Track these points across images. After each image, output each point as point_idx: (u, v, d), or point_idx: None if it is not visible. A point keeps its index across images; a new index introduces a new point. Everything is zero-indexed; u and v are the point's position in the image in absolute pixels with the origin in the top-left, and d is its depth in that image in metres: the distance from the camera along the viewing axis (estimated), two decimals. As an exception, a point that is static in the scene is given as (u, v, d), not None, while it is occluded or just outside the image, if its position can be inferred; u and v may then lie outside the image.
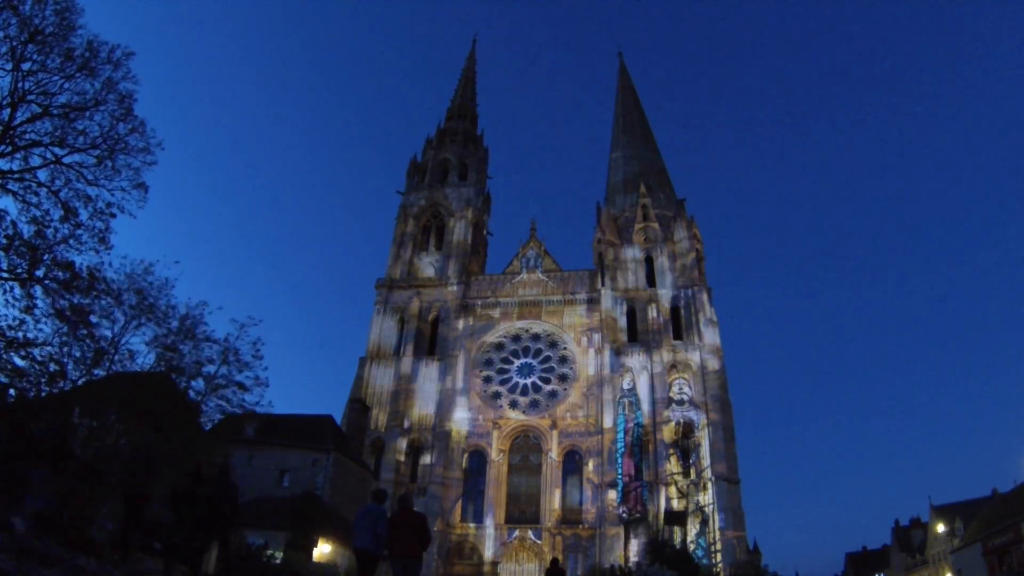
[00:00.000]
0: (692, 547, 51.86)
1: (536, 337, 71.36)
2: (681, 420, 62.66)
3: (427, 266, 77.57)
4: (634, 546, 56.67)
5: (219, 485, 13.84)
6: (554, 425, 65.06)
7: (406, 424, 66.51)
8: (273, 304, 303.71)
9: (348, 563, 37.53)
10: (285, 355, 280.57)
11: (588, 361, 67.95)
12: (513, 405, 67.63)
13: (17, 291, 17.60)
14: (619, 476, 60.10)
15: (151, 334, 22.38)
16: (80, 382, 20.54)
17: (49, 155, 19.21)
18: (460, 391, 68.14)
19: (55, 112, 19.21)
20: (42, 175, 19.11)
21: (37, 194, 18.69)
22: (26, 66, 18.58)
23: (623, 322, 69.54)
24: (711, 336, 66.23)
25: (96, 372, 20.86)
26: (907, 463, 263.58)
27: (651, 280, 72.38)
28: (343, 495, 44.70)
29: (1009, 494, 57.92)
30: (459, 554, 60.55)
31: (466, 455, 65.22)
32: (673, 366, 65.51)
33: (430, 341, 72.50)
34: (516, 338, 71.66)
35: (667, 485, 59.22)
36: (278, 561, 32.18)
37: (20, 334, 17.87)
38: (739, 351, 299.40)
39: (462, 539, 61.10)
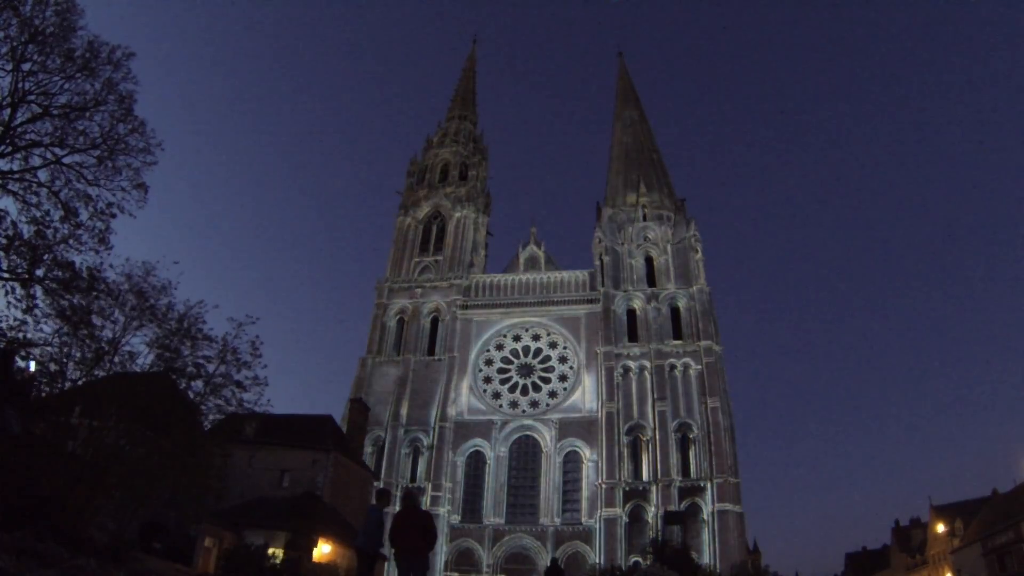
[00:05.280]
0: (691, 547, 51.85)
1: (536, 337, 71.41)
2: (681, 420, 62.69)
3: (427, 266, 77.63)
4: (634, 546, 56.75)
5: None
6: (554, 424, 65.10)
7: (406, 423, 66.56)
8: (273, 304, 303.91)
9: (348, 563, 37.57)
10: (285, 355, 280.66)
11: (587, 361, 67.99)
12: (513, 405, 67.70)
13: (18, 291, 17.60)
14: (619, 476, 60.15)
15: (151, 334, 22.36)
16: (80, 382, 20.51)
17: (49, 155, 19.21)
18: (460, 391, 68.19)
19: (55, 112, 19.20)
20: (42, 175, 19.10)
21: (37, 194, 18.68)
22: (26, 66, 18.59)
23: (623, 322, 69.58)
24: (711, 336, 66.26)
25: (96, 372, 20.84)
26: (907, 463, 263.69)
27: (651, 280, 72.44)
28: (343, 495, 44.69)
29: (1009, 494, 57.94)
30: (459, 554, 60.61)
31: (466, 455, 65.27)
32: (673, 366, 65.53)
33: (430, 341, 72.56)
34: (516, 338, 71.71)
35: (667, 485, 59.22)
36: (278, 561, 32.22)
37: (21, 334, 17.88)
38: (739, 351, 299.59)
39: (462, 539, 61.12)
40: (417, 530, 11.74)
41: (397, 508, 56.89)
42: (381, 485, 58.42)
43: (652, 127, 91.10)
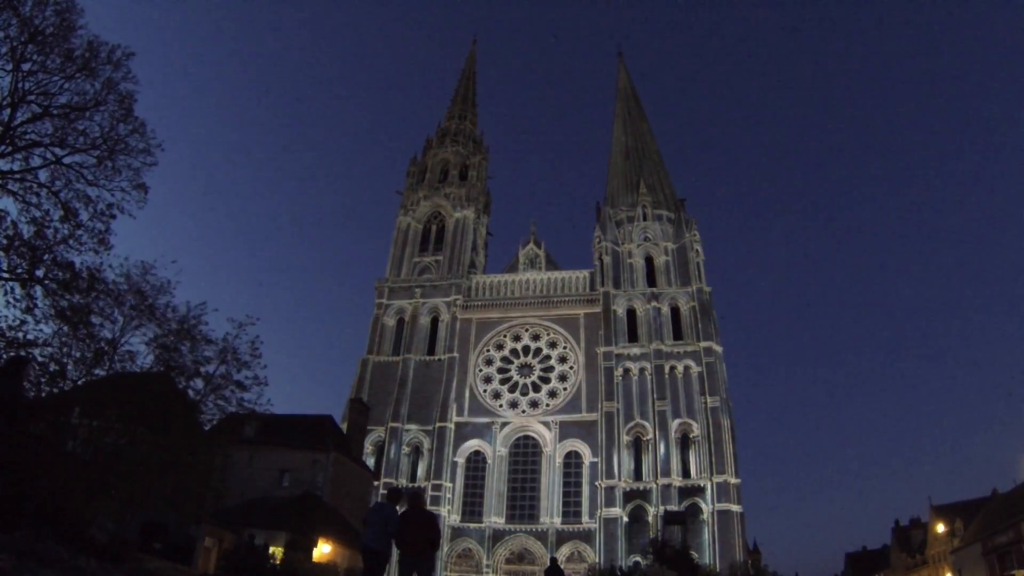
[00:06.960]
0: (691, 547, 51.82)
1: (536, 337, 71.40)
2: (681, 420, 62.69)
3: (427, 266, 77.64)
4: (634, 546, 56.75)
5: None
6: (554, 425, 65.09)
7: (406, 424, 66.55)
8: (273, 304, 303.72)
9: (348, 563, 37.56)
10: (285, 355, 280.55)
11: (587, 361, 67.97)
12: (513, 405, 67.68)
13: (17, 291, 17.58)
14: (619, 476, 60.13)
15: (151, 334, 22.36)
16: (80, 382, 20.50)
17: (49, 155, 19.18)
18: (460, 391, 68.17)
19: (55, 112, 19.17)
20: (42, 175, 19.07)
21: (37, 194, 18.65)
22: (26, 66, 18.56)
23: (623, 322, 69.57)
24: (710, 336, 66.24)
25: (96, 372, 20.82)
26: (907, 463, 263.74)
27: (651, 280, 72.43)
28: (343, 495, 44.69)
29: (1009, 494, 57.86)
30: (459, 554, 60.62)
31: (466, 455, 65.27)
32: (673, 366, 65.52)
33: (430, 341, 72.54)
34: (516, 338, 71.69)
35: (667, 485, 59.20)
36: (278, 561, 32.19)
37: (20, 334, 17.85)
38: (739, 351, 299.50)
39: (462, 539, 61.13)
40: (422, 530, 11.66)
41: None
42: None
43: (652, 127, 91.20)
